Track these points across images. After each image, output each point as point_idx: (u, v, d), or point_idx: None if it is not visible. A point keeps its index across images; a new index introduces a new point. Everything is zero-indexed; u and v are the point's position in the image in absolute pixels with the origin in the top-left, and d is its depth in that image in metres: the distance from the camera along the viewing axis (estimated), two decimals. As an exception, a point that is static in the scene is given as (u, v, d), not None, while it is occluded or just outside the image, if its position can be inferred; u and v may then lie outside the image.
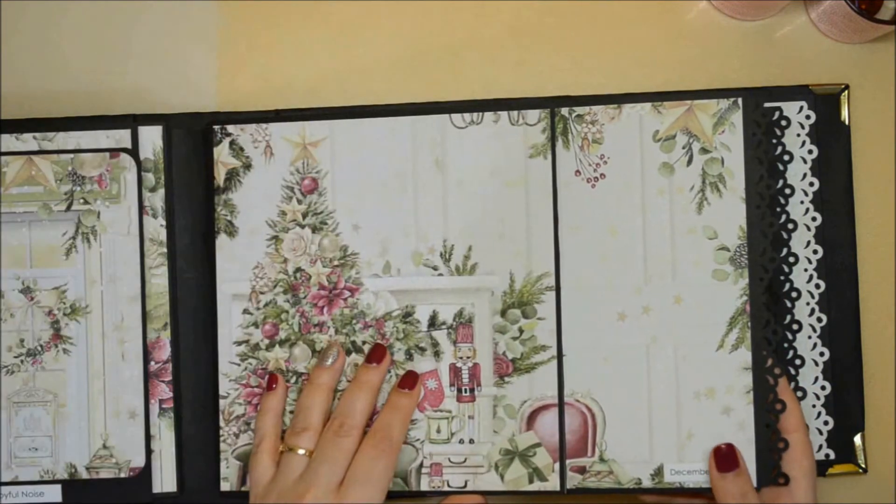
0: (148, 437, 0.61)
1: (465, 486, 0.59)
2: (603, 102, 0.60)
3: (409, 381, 0.59)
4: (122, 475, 0.61)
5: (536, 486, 0.59)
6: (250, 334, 0.61)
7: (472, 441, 0.60)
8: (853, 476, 0.63)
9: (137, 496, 0.61)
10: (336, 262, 0.61)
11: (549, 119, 0.60)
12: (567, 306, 0.59)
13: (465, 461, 0.60)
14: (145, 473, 0.61)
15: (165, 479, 0.62)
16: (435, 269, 0.60)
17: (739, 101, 0.59)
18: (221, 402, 0.61)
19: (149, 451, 0.61)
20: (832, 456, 0.62)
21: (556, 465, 0.59)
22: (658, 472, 0.58)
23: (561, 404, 0.59)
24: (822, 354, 0.62)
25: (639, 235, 0.59)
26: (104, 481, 0.61)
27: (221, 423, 0.61)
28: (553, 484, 0.59)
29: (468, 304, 0.60)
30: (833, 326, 0.62)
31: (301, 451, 0.57)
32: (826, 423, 0.62)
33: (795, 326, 0.62)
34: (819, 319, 0.62)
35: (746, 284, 0.58)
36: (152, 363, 0.62)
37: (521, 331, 0.60)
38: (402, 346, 0.61)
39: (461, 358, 0.60)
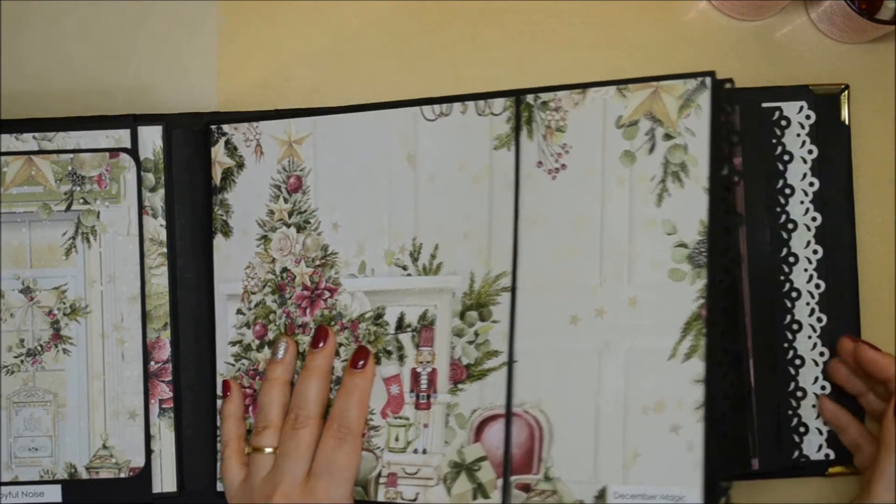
0: (148, 437, 0.61)
1: (416, 498, 0.56)
2: (569, 88, 0.56)
3: (360, 356, 0.57)
4: (122, 475, 0.61)
5: (479, 503, 0.55)
6: (243, 335, 0.61)
7: (425, 451, 0.57)
8: (853, 476, 0.63)
9: (137, 496, 0.61)
10: (318, 262, 0.60)
11: (513, 107, 0.56)
12: (521, 308, 0.55)
13: (417, 472, 0.56)
14: (145, 473, 0.61)
15: (165, 479, 0.62)
16: (405, 269, 0.58)
17: (707, 80, 0.53)
18: (218, 402, 0.61)
19: (149, 451, 0.61)
20: (832, 456, 0.62)
21: (500, 482, 0.55)
22: (601, 495, 0.53)
23: (508, 415, 0.55)
24: (822, 354, 0.62)
25: (596, 231, 0.55)
26: (104, 481, 0.61)
27: (219, 424, 0.61)
28: (495, 502, 0.55)
29: (431, 306, 0.57)
30: (833, 326, 0.62)
31: (268, 450, 0.57)
32: (826, 423, 0.62)
33: (795, 326, 0.62)
34: (819, 319, 0.62)
35: (704, 286, 0.52)
36: (152, 363, 0.62)
37: (476, 334, 0.56)
38: (373, 349, 0.58)
39: (421, 362, 0.57)
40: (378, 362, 0.58)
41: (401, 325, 0.58)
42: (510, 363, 0.55)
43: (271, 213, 0.61)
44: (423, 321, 0.57)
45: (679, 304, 0.52)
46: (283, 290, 0.60)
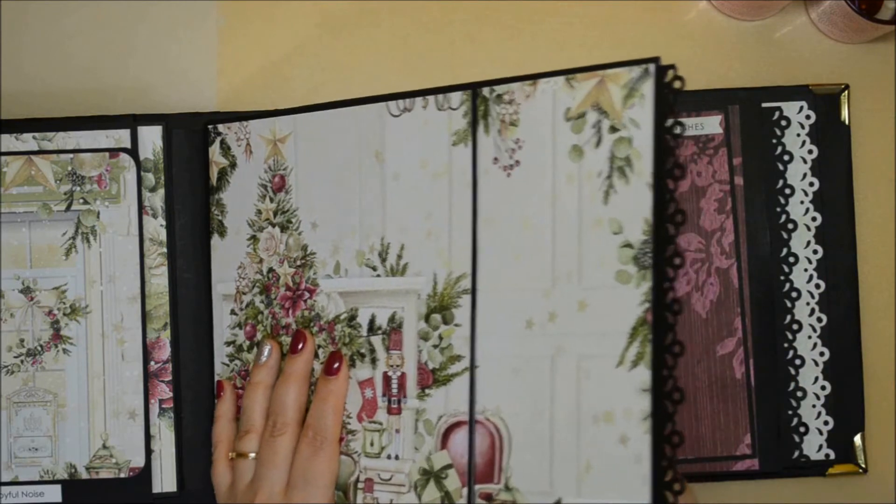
0: (148, 437, 0.61)
1: None
2: (521, 79, 0.53)
3: (334, 361, 0.56)
4: (122, 475, 0.61)
5: None
6: (236, 335, 0.61)
7: (397, 457, 0.55)
8: (853, 476, 0.63)
9: (137, 496, 0.61)
10: (298, 262, 0.59)
11: (470, 101, 0.54)
12: (481, 311, 0.53)
13: (391, 478, 0.55)
14: (145, 473, 0.61)
15: (165, 479, 0.62)
16: (374, 269, 0.56)
17: (651, 67, 0.49)
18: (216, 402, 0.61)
19: (149, 451, 0.61)
20: (832, 456, 0.62)
21: (465, 491, 0.53)
22: None
23: (471, 422, 0.53)
24: (822, 354, 0.62)
25: (548, 230, 0.52)
26: (104, 481, 0.61)
27: (217, 424, 0.61)
28: None
29: (399, 308, 0.55)
30: (833, 326, 0.63)
31: (251, 455, 0.56)
32: (826, 423, 0.62)
33: (795, 326, 0.62)
34: (819, 319, 0.62)
35: (649, 289, 0.48)
36: (152, 363, 0.62)
37: (440, 338, 0.54)
38: (347, 351, 0.57)
39: (391, 366, 0.56)
40: (353, 365, 0.57)
41: (372, 328, 0.56)
42: (472, 368, 0.53)
43: (259, 212, 0.60)
44: (392, 323, 0.56)
45: (625, 308, 0.49)
46: (270, 290, 0.60)
